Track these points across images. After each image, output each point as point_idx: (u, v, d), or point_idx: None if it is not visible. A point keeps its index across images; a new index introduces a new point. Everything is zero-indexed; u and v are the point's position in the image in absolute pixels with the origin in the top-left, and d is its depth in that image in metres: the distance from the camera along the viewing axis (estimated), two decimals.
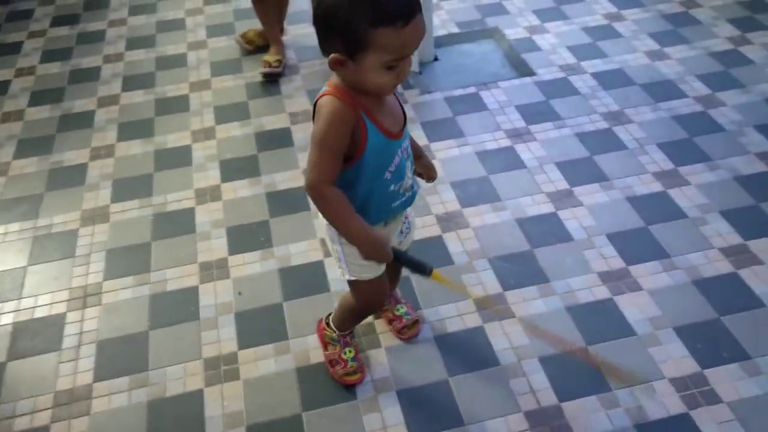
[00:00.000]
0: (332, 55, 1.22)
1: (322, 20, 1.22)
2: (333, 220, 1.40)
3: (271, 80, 2.98)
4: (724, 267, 2.02)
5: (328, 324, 1.84)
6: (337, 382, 1.79)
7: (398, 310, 1.91)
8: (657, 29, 3.10)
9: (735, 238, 2.11)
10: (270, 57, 3.00)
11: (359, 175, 1.36)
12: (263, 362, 1.87)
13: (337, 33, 1.19)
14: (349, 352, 1.81)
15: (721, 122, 2.56)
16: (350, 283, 1.59)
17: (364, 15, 1.15)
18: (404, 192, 1.47)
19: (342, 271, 1.55)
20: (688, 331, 1.85)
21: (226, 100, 2.92)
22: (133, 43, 3.36)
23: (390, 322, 1.91)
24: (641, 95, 2.73)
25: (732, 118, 2.57)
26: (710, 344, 1.82)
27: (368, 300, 1.66)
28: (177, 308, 2.04)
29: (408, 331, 1.90)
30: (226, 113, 2.85)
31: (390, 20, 1.15)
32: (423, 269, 1.45)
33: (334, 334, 1.81)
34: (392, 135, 1.36)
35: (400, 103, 1.43)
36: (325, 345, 1.84)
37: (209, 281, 2.12)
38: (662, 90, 2.74)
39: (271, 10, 2.99)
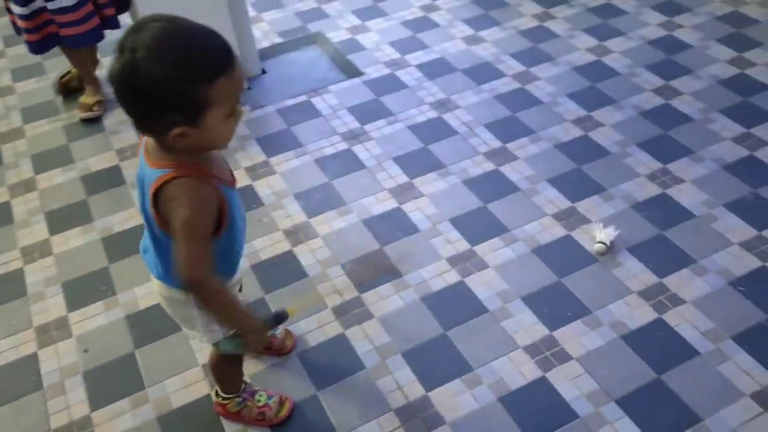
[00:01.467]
0: (174, 131, 1.09)
1: (147, 100, 1.08)
2: (219, 312, 1.34)
3: (92, 122, 2.80)
4: (557, 231, 2.15)
5: (224, 398, 1.70)
6: (278, 426, 1.70)
7: None
8: (470, 15, 3.24)
9: (564, 203, 2.25)
10: (88, 99, 2.81)
11: (230, 238, 1.30)
12: (119, 419, 1.75)
13: (172, 106, 1.08)
14: (260, 396, 1.70)
15: (537, 95, 2.72)
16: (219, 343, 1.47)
17: (199, 75, 1.06)
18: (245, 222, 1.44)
19: (208, 336, 1.43)
20: (534, 299, 1.96)
21: (44, 147, 2.71)
22: None
23: (266, 347, 1.84)
24: (464, 80, 2.84)
25: (547, 91, 2.74)
26: (555, 306, 1.93)
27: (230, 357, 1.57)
28: (15, 382, 1.87)
29: (288, 342, 1.86)
30: (45, 160, 2.65)
31: (223, 69, 1.09)
32: (283, 316, 1.48)
33: (237, 398, 1.69)
34: (233, 182, 1.32)
35: None
36: (239, 414, 1.70)
37: (49, 344, 1.96)
38: (482, 72, 2.87)
39: (84, 50, 2.81)
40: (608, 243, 2.05)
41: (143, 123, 1.14)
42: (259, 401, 1.70)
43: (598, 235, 2.07)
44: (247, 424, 1.72)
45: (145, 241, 1.37)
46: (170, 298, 1.40)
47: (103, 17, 2.62)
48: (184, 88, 1.06)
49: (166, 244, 1.25)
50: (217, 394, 1.71)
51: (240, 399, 1.69)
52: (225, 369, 1.65)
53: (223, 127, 1.15)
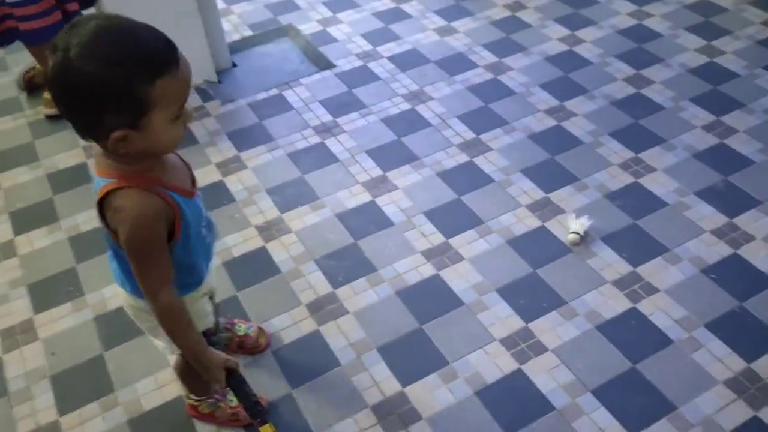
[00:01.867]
0: (114, 135, 1.03)
1: (82, 101, 1.02)
2: (176, 336, 1.26)
3: (58, 119, 2.73)
4: (532, 222, 2.15)
5: (195, 400, 1.66)
6: (255, 424, 1.62)
7: (239, 330, 1.82)
8: (442, 6, 3.22)
9: (538, 193, 2.24)
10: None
11: (186, 249, 1.24)
12: (89, 424, 1.71)
13: (110, 108, 1.02)
14: (233, 396, 1.62)
15: (510, 86, 2.71)
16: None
17: (139, 75, 1.00)
18: (212, 230, 1.39)
19: (172, 347, 1.35)
20: (509, 290, 1.95)
21: (8, 144, 2.64)
22: None
23: (240, 346, 1.81)
24: (437, 71, 2.82)
25: (520, 81, 2.73)
26: (530, 298, 1.92)
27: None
28: None
29: (262, 341, 1.83)
30: (9, 159, 2.57)
31: (166, 68, 1.03)
32: (256, 412, 1.36)
33: (209, 400, 1.66)
34: (191, 192, 1.25)
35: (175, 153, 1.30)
36: (212, 415, 1.67)
37: (14, 348, 1.90)
38: (455, 63, 2.85)
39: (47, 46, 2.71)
40: (582, 233, 2.05)
41: (82, 127, 1.07)
42: (231, 401, 1.67)
43: (572, 226, 2.07)
44: (221, 425, 1.68)
45: (110, 251, 1.32)
46: (134, 306, 1.37)
47: (66, 12, 2.54)
48: (120, 88, 1.00)
49: (122, 254, 1.20)
50: (187, 396, 1.68)
51: (212, 401, 1.66)
52: (191, 372, 1.61)
53: (170, 130, 1.08)
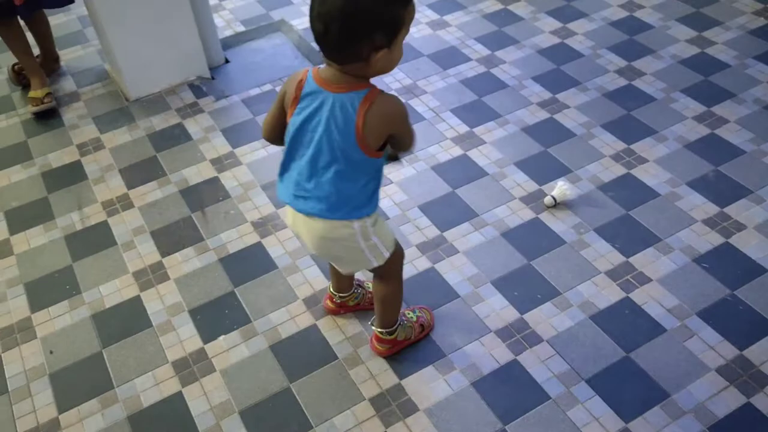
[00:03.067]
0: (380, 52, 1.22)
1: (358, 23, 1.19)
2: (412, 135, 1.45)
3: (48, 116, 2.73)
4: (525, 214, 2.16)
5: (389, 332, 1.75)
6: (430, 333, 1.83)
7: (368, 287, 1.92)
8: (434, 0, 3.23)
9: (532, 186, 2.26)
10: (37, 92, 2.72)
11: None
12: (89, 420, 1.72)
13: (379, 26, 1.20)
14: (410, 313, 1.82)
15: (503, 79, 2.72)
16: (386, 263, 1.57)
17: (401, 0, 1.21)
18: None
19: (378, 257, 1.53)
20: (504, 282, 1.97)
21: (2, 143, 2.64)
22: None
23: (371, 303, 1.88)
24: (430, 65, 2.83)
25: (512, 74, 2.75)
26: (525, 289, 1.94)
27: (401, 258, 1.65)
28: None
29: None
30: (3, 158, 2.58)
31: None
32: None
33: (400, 325, 1.76)
34: None
35: None
36: (407, 339, 1.79)
37: (13, 347, 1.91)
38: (448, 57, 2.86)
39: (16, 38, 2.67)
40: (557, 201, 2.14)
41: (349, 47, 1.22)
42: (411, 317, 1.81)
43: (555, 191, 2.15)
44: (413, 343, 1.81)
45: (309, 186, 1.40)
46: (337, 237, 1.45)
47: None
48: (393, 9, 1.20)
49: (361, 167, 1.35)
50: (381, 338, 1.76)
51: (403, 321, 1.78)
52: (393, 296, 1.70)
53: (400, 50, 1.27)
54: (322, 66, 1.32)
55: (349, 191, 1.39)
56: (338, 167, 1.35)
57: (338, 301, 1.88)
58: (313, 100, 1.31)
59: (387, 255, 1.56)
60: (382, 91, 1.31)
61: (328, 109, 1.30)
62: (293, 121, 1.36)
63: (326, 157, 1.34)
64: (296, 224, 1.51)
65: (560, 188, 2.15)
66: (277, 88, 2.77)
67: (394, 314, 1.75)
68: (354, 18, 1.19)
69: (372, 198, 1.44)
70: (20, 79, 2.88)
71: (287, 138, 1.39)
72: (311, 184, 1.39)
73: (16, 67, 2.89)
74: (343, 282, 1.83)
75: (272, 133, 1.47)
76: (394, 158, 1.55)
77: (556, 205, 2.13)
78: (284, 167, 1.44)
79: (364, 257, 1.53)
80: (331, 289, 1.86)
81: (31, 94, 2.73)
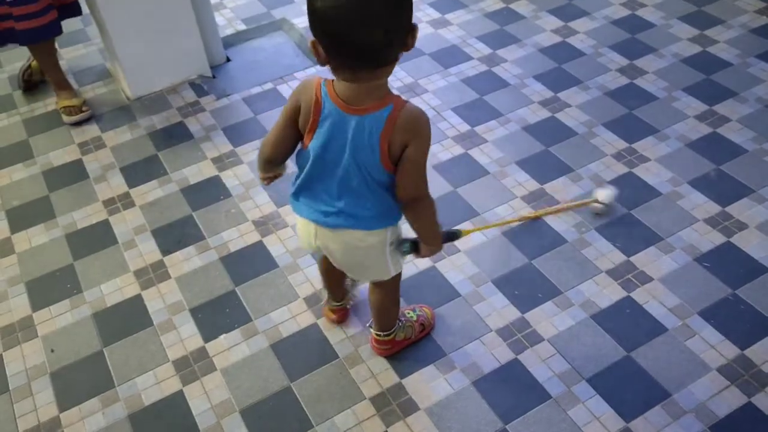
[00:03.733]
0: (405, 47, 1.16)
1: (403, 18, 1.12)
2: (433, 222, 1.42)
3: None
4: (527, 213, 2.16)
5: (386, 335, 1.75)
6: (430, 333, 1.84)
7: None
8: None
9: (533, 185, 2.26)
10: (72, 101, 2.66)
11: None
12: (90, 419, 1.72)
13: (408, 24, 1.14)
14: (409, 313, 1.82)
15: (505, 78, 2.72)
16: (390, 279, 1.58)
17: None
18: None
19: (395, 265, 1.54)
20: (505, 281, 1.96)
21: (2, 142, 2.64)
22: None
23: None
24: (431, 64, 2.83)
25: (514, 73, 2.74)
26: (526, 288, 1.94)
27: (399, 276, 1.65)
28: None
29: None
30: (4, 156, 2.58)
31: None
32: (456, 235, 1.67)
33: (399, 324, 1.76)
34: None
35: None
36: (406, 338, 1.79)
37: (14, 346, 1.91)
38: (449, 56, 2.86)
39: (52, 52, 2.65)
40: (607, 203, 2.10)
41: (391, 54, 1.15)
42: (411, 317, 1.80)
43: (599, 196, 2.11)
44: (413, 343, 1.81)
45: (340, 204, 1.35)
46: (369, 245, 1.43)
47: (64, 4, 2.53)
48: (411, 7, 1.14)
49: (387, 184, 1.31)
50: (379, 340, 1.76)
51: (402, 321, 1.77)
52: (390, 304, 1.70)
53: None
54: (335, 80, 1.23)
55: (386, 203, 1.35)
56: (371, 186, 1.31)
57: (337, 308, 1.87)
58: (333, 124, 1.24)
59: (402, 264, 1.56)
60: (406, 103, 1.23)
61: (351, 135, 1.23)
62: (313, 146, 1.28)
63: (356, 179, 1.30)
64: (320, 239, 1.45)
65: (603, 193, 2.11)
66: (278, 87, 2.77)
67: (393, 319, 1.75)
68: (402, 7, 1.11)
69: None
70: (27, 84, 2.87)
71: (307, 161, 1.31)
72: (342, 202, 1.35)
73: (26, 74, 2.87)
74: (338, 292, 1.83)
75: (279, 153, 1.38)
76: (414, 247, 1.50)
77: (607, 206, 2.11)
78: (304, 187, 1.38)
79: (385, 266, 1.52)
80: (332, 302, 1.85)
81: (66, 103, 2.67)
